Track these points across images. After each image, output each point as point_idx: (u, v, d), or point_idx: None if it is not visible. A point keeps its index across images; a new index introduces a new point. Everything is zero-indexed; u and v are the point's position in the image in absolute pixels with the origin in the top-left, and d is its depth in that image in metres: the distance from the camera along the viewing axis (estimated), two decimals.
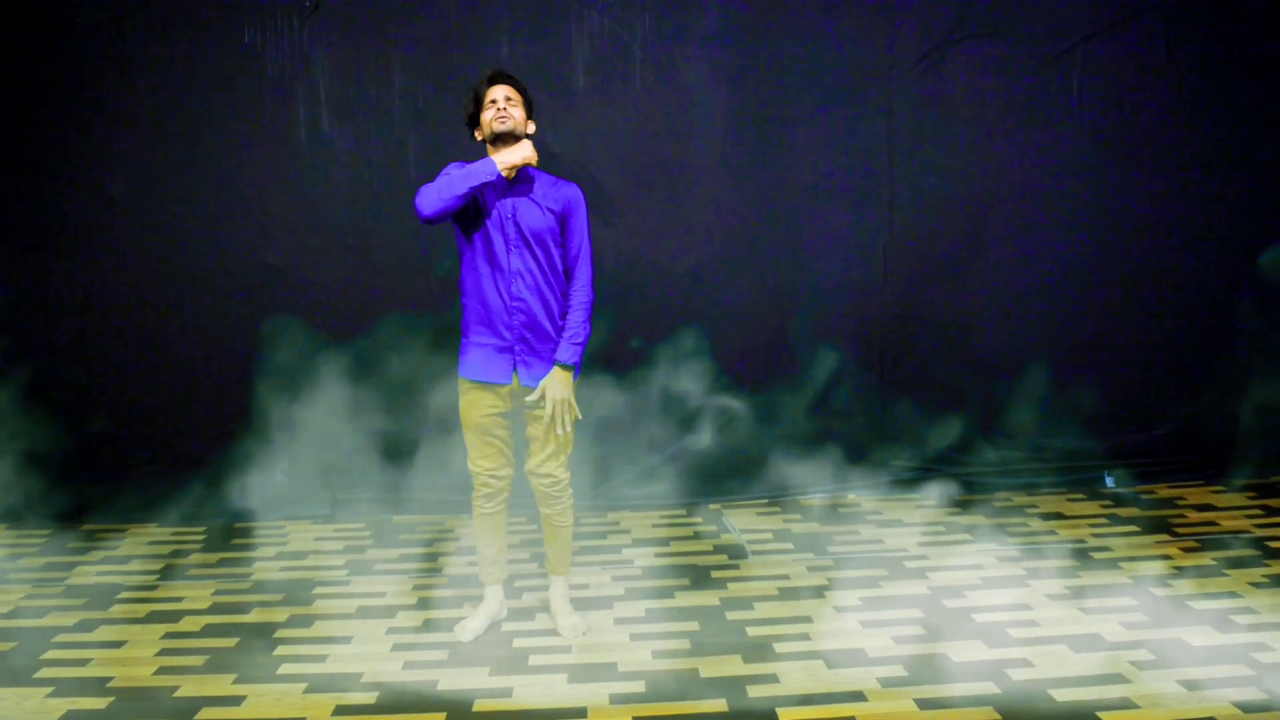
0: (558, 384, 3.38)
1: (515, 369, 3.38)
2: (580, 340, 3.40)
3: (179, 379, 4.83)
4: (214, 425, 4.78)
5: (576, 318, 3.40)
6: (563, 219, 3.39)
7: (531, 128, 3.43)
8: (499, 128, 3.31)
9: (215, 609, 3.84)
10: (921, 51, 4.99)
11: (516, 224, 3.34)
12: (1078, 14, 5.00)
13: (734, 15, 4.91)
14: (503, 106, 3.32)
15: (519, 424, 3.51)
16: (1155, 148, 5.10)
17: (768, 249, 5.06)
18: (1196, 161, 5.11)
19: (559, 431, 3.41)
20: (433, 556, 4.40)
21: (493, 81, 3.37)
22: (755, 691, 3.11)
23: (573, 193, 3.41)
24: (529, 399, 3.40)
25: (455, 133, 4.87)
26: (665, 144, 4.97)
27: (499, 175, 3.24)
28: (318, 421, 4.63)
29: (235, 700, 3.11)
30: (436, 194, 3.23)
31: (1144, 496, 5.06)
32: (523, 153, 3.27)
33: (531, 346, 3.38)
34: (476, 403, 3.43)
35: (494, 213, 3.34)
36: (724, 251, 5.05)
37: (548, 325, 3.39)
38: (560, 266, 3.42)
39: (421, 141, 4.86)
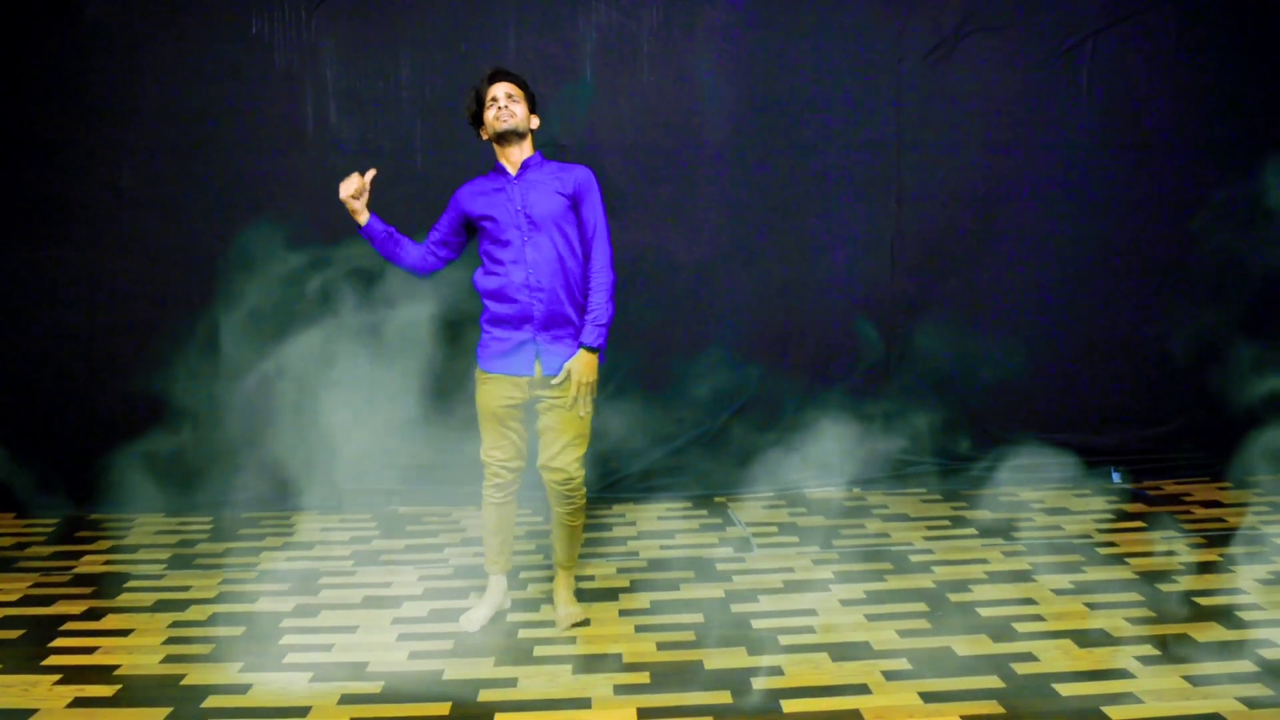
0: (583, 366, 3.38)
1: (538, 358, 3.39)
2: (604, 321, 3.38)
3: (186, 370, 4.84)
4: (222, 418, 4.79)
5: (598, 299, 3.38)
6: (574, 200, 3.39)
7: (535, 122, 3.47)
8: (501, 126, 3.35)
9: (222, 598, 3.85)
10: (930, 44, 4.98)
11: (528, 214, 3.35)
12: (1088, 7, 4.99)
13: (742, 7, 4.90)
14: (504, 105, 3.36)
15: (532, 415, 3.51)
16: (1165, 141, 5.09)
17: (775, 242, 5.06)
18: (1206, 155, 5.09)
19: (580, 414, 3.40)
20: (438, 547, 4.41)
21: (493, 79, 3.41)
22: (759, 684, 3.11)
23: (582, 173, 3.42)
24: (554, 381, 3.38)
25: (463, 124, 4.86)
26: (673, 137, 4.97)
27: (360, 226, 3.49)
28: (326, 414, 4.64)
29: (241, 689, 3.12)
30: None
31: (1150, 492, 5.05)
32: (342, 193, 3.43)
33: (554, 335, 3.38)
34: (494, 392, 3.42)
35: (506, 208, 3.36)
36: (732, 244, 5.05)
37: (570, 312, 3.38)
38: (579, 250, 3.41)
39: (429, 133, 4.86)
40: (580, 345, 3.38)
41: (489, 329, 3.44)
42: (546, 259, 3.34)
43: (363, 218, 3.46)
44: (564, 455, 3.43)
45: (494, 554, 3.64)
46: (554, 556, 3.67)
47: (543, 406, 3.44)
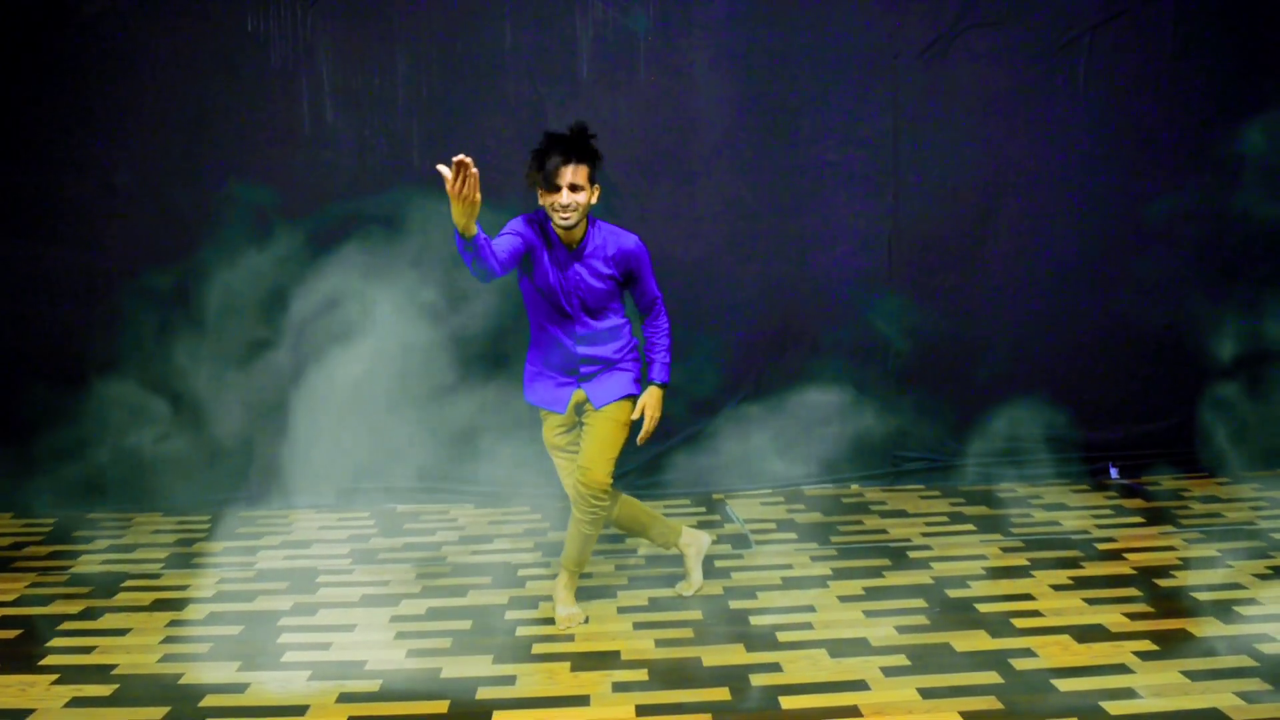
0: (657, 403, 3.51)
1: (578, 388, 3.47)
2: (669, 360, 3.55)
3: (182, 368, 4.83)
4: (219, 415, 4.78)
5: (664, 344, 3.54)
6: (625, 277, 3.41)
7: (596, 196, 3.28)
8: (563, 225, 3.22)
9: (219, 597, 3.85)
10: (928, 40, 4.97)
11: (581, 296, 3.35)
12: (1084, 2, 4.97)
13: (739, 3, 4.90)
14: (566, 203, 3.18)
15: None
16: (1163, 136, 5.08)
17: (773, 238, 5.05)
18: (1204, 150, 5.08)
19: (638, 443, 3.54)
20: (436, 545, 4.41)
21: (566, 159, 3.17)
22: (758, 680, 3.11)
23: (631, 247, 3.38)
24: (633, 417, 3.48)
25: (459, 121, 4.88)
26: (670, 133, 4.96)
27: (462, 240, 2.91)
28: (325, 411, 4.63)
29: (239, 688, 3.11)
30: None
31: (1149, 488, 5.05)
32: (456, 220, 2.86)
33: (596, 379, 3.45)
34: (548, 426, 3.55)
35: (559, 283, 3.34)
36: (729, 241, 5.04)
37: (611, 359, 3.46)
38: (623, 308, 3.49)
39: (425, 130, 4.86)
40: (652, 382, 3.50)
41: (532, 365, 3.52)
42: (595, 333, 3.41)
43: (473, 229, 2.89)
44: (597, 456, 3.40)
45: (659, 536, 3.74)
46: (562, 556, 3.64)
47: (585, 418, 3.50)
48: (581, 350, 3.41)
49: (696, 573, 3.82)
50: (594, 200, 3.29)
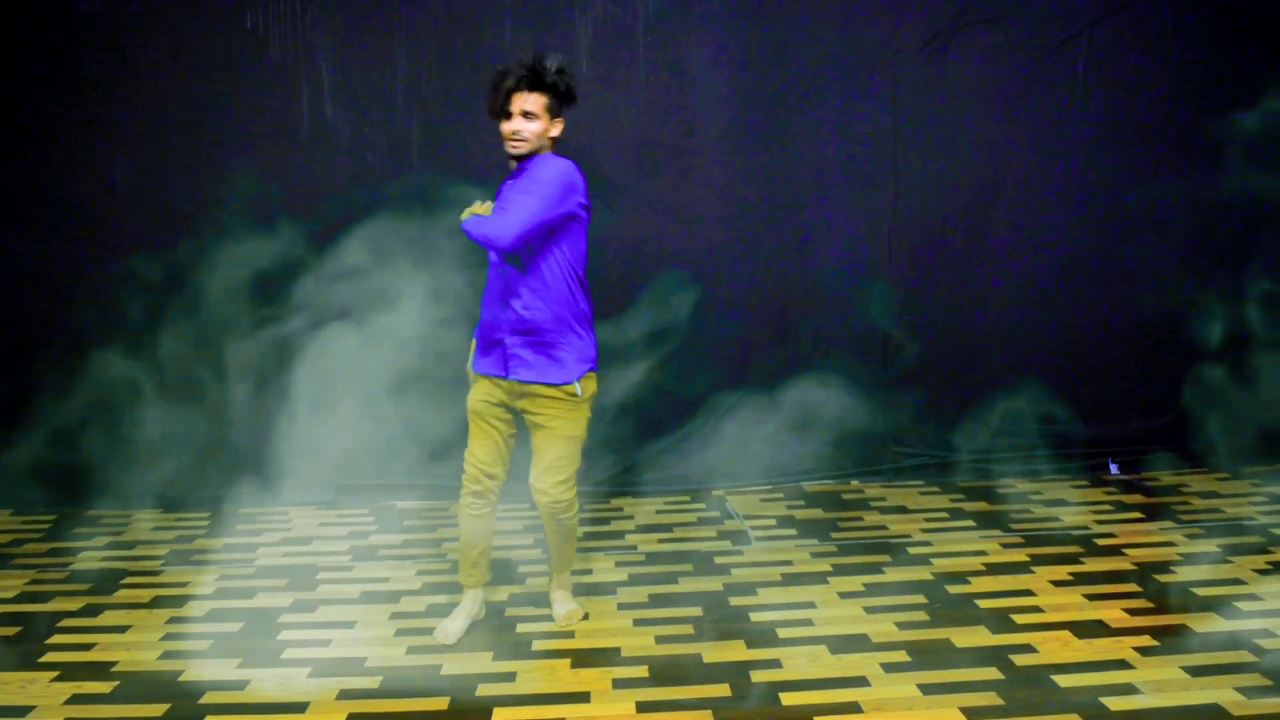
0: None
1: (507, 365, 3.22)
2: (473, 229, 3.06)
3: (181, 364, 4.83)
4: (218, 412, 4.78)
5: (492, 221, 3.04)
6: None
7: (557, 130, 3.15)
8: (511, 151, 3.11)
9: (219, 594, 3.84)
10: (927, 36, 4.97)
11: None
12: None
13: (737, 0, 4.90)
14: (516, 129, 3.07)
15: (520, 425, 3.39)
16: (1161, 133, 5.08)
17: (772, 235, 5.05)
18: (1203, 146, 5.08)
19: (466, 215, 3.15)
20: (436, 542, 4.41)
21: (519, 85, 3.06)
22: (758, 676, 3.11)
23: (536, 161, 3.10)
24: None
25: (459, 118, 4.87)
26: (669, 129, 4.95)
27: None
28: (325, 408, 4.63)
29: (239, 685, 3.11)
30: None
31: (1148, 483, 5.05)
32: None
33: (525, 341, 3.18)
34: (476, 389, 3.32)
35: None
36: (728, 237, 5.04)
37: (547, 323, 3.16)
38: (562, 255, 3.13)
39: (424, 126, 4.84)
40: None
41: (480, 327, 3.35)
42: (520, 282, 3.15)
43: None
44: (547, 476, 3.27)
45: (468, 567, 3.45)
46: (549, 562, 3.64)
47: (529, 422, 3.30)
48: (505, 288, 3.15)
49: (456, 620, 3.45)
50: (553, 133, 3.13)
